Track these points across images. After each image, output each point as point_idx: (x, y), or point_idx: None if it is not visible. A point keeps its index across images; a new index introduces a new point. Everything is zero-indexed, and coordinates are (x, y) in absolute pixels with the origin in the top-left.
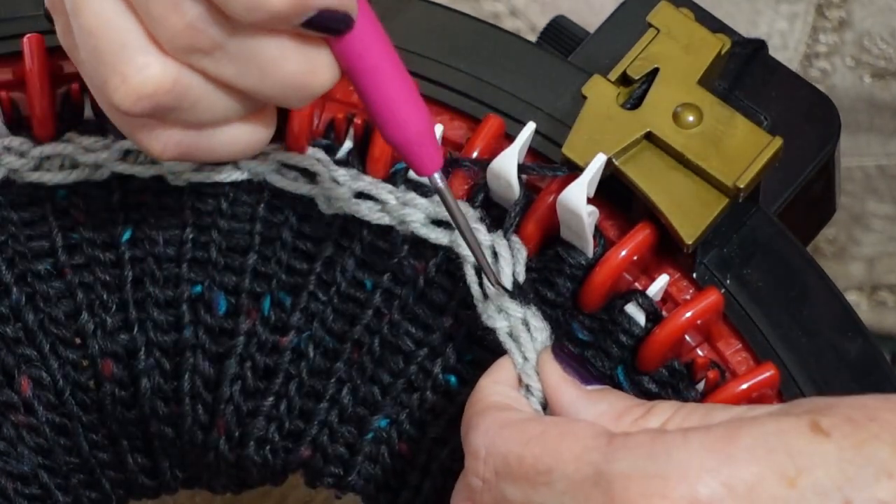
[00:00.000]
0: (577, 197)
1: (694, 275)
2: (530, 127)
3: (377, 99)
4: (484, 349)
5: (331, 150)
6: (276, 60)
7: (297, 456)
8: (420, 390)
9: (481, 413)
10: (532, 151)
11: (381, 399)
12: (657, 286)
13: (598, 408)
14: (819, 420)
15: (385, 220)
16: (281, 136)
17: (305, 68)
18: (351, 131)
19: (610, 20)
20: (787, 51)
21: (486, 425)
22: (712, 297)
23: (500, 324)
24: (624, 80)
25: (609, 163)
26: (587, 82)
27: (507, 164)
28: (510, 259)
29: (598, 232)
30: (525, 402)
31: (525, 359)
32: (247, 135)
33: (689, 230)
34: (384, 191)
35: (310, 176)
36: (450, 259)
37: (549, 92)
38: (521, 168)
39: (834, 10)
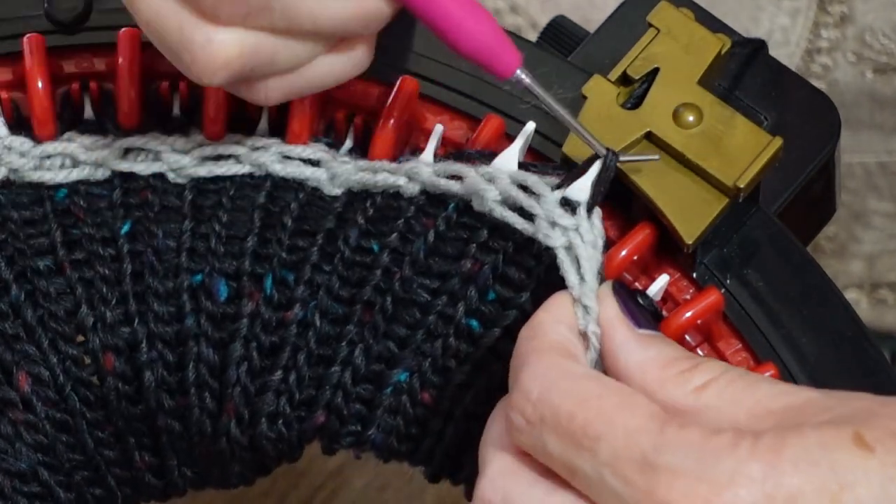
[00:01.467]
0: (580, 196)
1: (694, 275)
2: (530, 126)
3: (441, 13)
4: (508, 286)
5: (331, 149)
6: (321, 3)
7: (311, 423)
8: (442, 337)
9: (539, 352)
10: (532, 151)
11: (400, 352)
12: (657, 286)
13: (647, 353)
14: (863, 432)
15: (399, 180)
16: (282, 134)
17: (353, 2)
18: (351, 131)
19: (610, 20)
20: (788, 46)
21: (543, 368)
22: (712, 297)
23: (557, 241)
24: (624, 79)
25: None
26: (587, 82)
27: (507, 164)
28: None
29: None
30: (582, 351)
31: (583, 279)
32: (342, 62)
33: (689, 230)
34: (386, 164)
35: (314, 164)
36: (461, 210)
37: (549, 92)
38: (522, 167)
39: (835, 6)
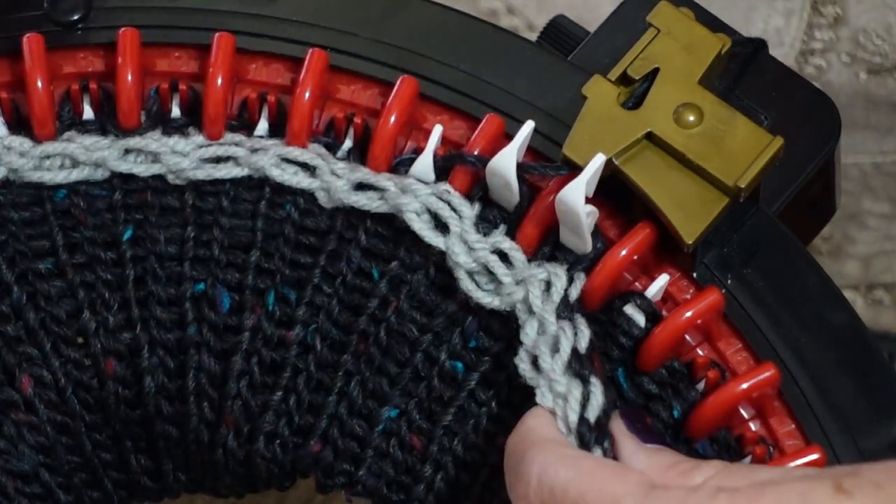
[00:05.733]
0: (576, 196)
1: (694, 275)
2: (529, 125)
3: None
4: (490, 336)
5: (331, 149)
6: None
7: (307, 451)
8: (427, 379)
9: (536, 444)
10: (532, 151)
11: (390, 390)
12: (657, 286)
13: (651, 459)
14: (843, 482)
15: (383, 207)
16: (281, 134)
17: None
18: (351, 131)
19: (610, 20)
20: (782, 47)
21: (541, 456)
22: (712, 297)
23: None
24: (624, 79)
25: (609, 163)
26: (587, 82)
27: (505, 163)
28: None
29: (598, 232)
30: (575, 443)
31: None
32: None
33: (689, 230)
34: (382, 178)
35: (310, 170)
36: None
37: (549, 92)
38: (521, 167)
39: (829, 7)
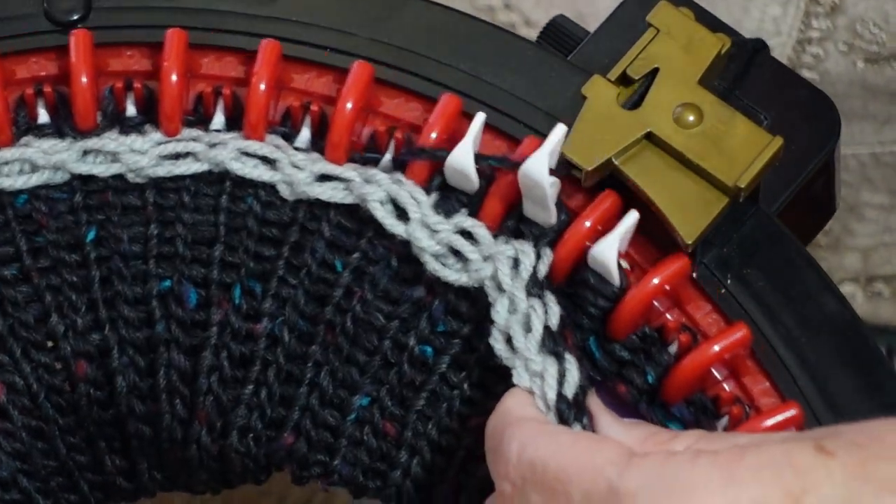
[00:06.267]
0: (540, 167)
1: (694, 275)
2: (479, 118)
3: None
4: (458, 319)
5: (288, 139)
6: None
7: (280, 444)
8: (397, 365)
9: (517, 423)
10: None
11: (360, 378)
12: (624, 225)
13: (629, 432)
14: (824, 442)
15: (349, 199)
16: (238, 126)
17: None
18: (308, 119)
19: (610, 20)
20: (780, 36)
21: (520, 432)
22: (678, 263)
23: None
24: (624, 79)
25: (609, 163)
26: (587, 82)
27: (463, 159)
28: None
29: (561, 204)
30: (554, 420)
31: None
32: None
33: (689, 230)
34: (345, 169)
35: (270, 163)
36: None
37: (549, 92)
38: (481, 159)
39: None
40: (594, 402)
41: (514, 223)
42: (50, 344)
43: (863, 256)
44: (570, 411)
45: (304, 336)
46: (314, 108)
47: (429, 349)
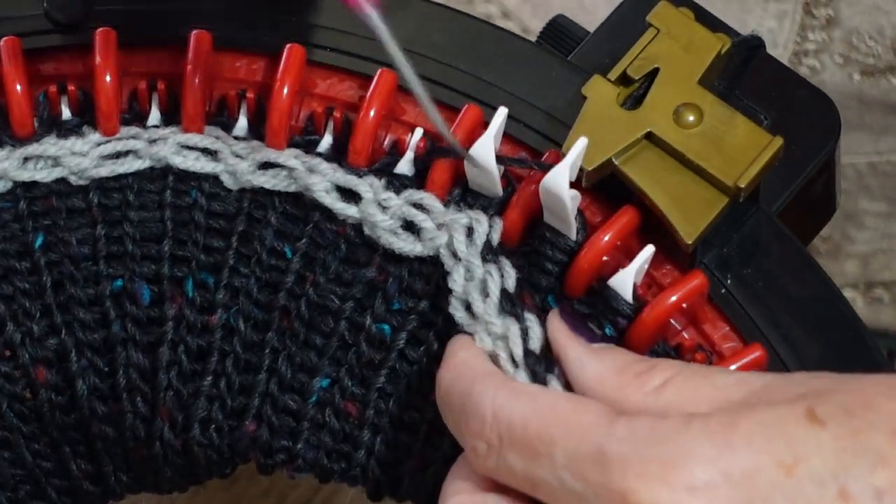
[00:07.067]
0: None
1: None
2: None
3: None
4: (413, 296)
5: (227, 128)
6: None
7: (242, 433)
8: (355, 345)
9: (482, 379)
10: (531, 151)
11: (318, 361)
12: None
13: (602, 363)
14: (815, 408)
15: (293, 187)
16: (177, 119)
17: None
18: (244, 107)
19: (609, 20)
20: (776, 49)
21: (491, 390)
22: (628, 215)
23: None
24: (624, 79)
25: (609, 163)
26: (587, 82)
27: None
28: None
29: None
30: (511, 374)
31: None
32: None
33: (688, 230)
34: (290, 157)
35: (211, 154)
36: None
37: (549, 92)
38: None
39: (821, 9)
40: (560, 330)
41: (460, 192)
42: (8, 353)
43: (862, 263)
44: (541, 365)
45: (260, 324)
46: (250, 95)
47: (386, 327)
